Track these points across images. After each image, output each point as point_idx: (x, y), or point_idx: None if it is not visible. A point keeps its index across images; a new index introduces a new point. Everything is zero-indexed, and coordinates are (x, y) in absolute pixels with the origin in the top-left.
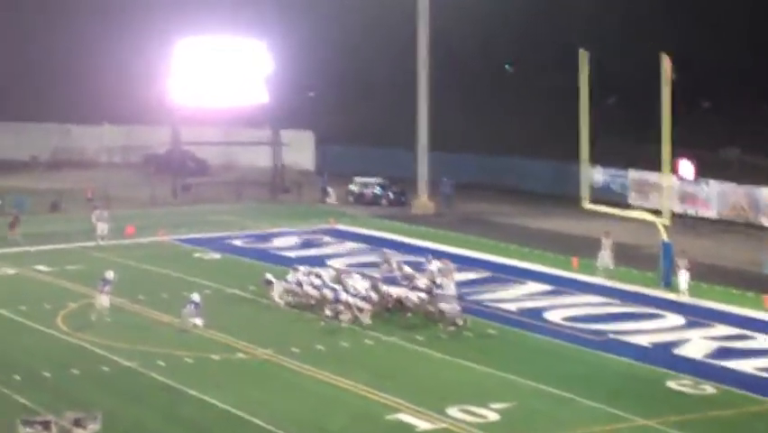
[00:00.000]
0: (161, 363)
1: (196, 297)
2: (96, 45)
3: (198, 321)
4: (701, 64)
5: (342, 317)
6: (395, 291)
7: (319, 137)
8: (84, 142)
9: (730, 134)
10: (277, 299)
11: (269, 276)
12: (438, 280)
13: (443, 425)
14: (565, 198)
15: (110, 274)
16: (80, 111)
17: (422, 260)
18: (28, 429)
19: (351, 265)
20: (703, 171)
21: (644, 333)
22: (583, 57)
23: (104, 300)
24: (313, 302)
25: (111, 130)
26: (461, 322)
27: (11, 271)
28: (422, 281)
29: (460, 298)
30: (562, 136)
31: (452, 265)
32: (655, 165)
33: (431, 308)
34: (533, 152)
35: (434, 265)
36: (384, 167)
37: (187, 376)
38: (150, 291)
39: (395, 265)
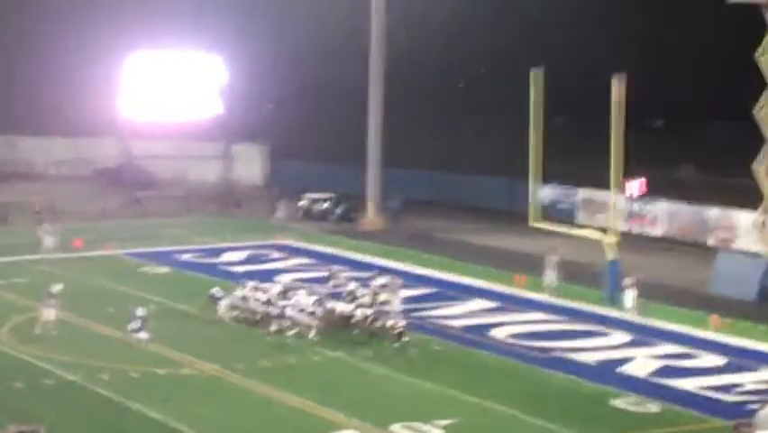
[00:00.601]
0: (105, 378)
1: (141, 311)
2: (44, 56)
3: (144, 336)
4: (653, 84)
5: (288, 332)
6: (341, 307)
7: (271, 152)
8: (32, 154)
9: (682, 153)
10: (223, 313)
11: (215, 291)
12: (383, 297)
13: None
14: (515, 216)
15: (56, 288)
16: (28, 123)
17: (369, 276)
18: None
19: (298, 281)
20: (653, 190)
21: (590, 350)
22: (536, 76)
23: (49, 314)
24: (259, 318)
25: (59, 142)
26: (406, 338)
27: None
28: (367, 297)
29: (405, 314)
30: (512, 154)
31: (398, 281)
32: (605, 184)
33: (376, 324)
34: (483, 168)
35: (379, 281)
36: (336, 183)
37: (132, 391)
38: (96, 305)
39: (342, 281)
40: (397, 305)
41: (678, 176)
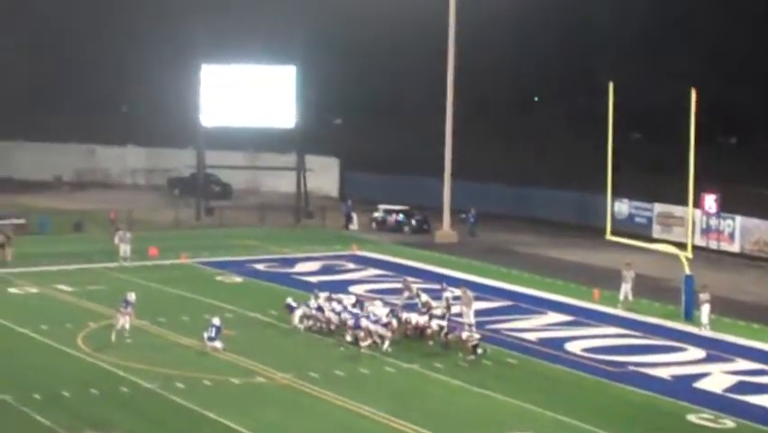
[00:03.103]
0: (180, 386)
1: (216, 320)
2: (122, 67)
3: (219, 344)
4: (727, 101)
5: (362, 343)
6: (415, 319)
7: (344, 163)
8: (108, 163)
9: (755, 170)
10: (297, 323)
11: (290, 300)
12: (457, 309)
13: None
14: (589, 230)
15: (131, 296)
16: (105, 132)
17: (439, 287)
18: None
19: (372, 292)
20: (728, 206)
21: (665, 366)
22: (611, 88)
23: (124, 321)
24: (333, 328)
25: (135, 152)
26: (480, 351)
27: (33, 290)
28: (440, 309)
29: (480, 326)
30: (587, 168)
31: (471, 294)
32: (680, 199)
33: (451, 336)
34: (558, 182)
35: (449, 293)
36: (409, 195)
37: (207, 399)
38: (171, 313)
39: (415, 292)
40: (470, 317)
41: None
